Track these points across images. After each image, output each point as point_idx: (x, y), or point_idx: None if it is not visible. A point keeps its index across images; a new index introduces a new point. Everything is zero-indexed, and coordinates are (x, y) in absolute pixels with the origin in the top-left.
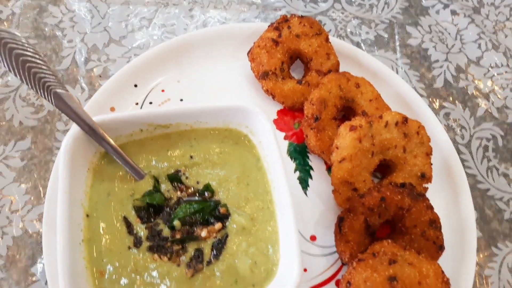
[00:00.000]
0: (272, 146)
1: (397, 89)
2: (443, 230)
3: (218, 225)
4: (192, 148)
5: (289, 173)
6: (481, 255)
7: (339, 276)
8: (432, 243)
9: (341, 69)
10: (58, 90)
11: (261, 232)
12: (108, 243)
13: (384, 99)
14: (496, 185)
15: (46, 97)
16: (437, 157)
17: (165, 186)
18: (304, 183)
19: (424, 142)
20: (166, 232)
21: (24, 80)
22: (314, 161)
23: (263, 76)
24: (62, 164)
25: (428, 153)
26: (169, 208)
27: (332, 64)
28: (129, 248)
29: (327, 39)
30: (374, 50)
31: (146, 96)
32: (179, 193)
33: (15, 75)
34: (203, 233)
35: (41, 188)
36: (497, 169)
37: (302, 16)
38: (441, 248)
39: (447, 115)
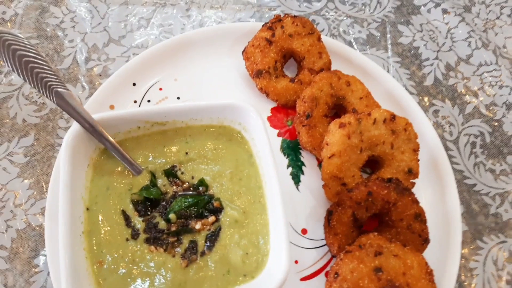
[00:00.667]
0: (263, 142)
1: (387, 87)
2: (429, 224)
3: (211, 218)
4: (187, 145)
5: (282, 168)
6: (466, 249)
7: (328, 268)
8: (417, 236)
9: (333, 68)
10: (59, 89)
11: (253, 224)
12: (107, 235)
13: (375, 96)
14: (482, 180)
15: (48, 96)
16: (424, 153)
17: (161, 181)
18: (296, 178)
19: (411, 138)
20: (162, 224)
21: (26, 79)
22: (306, 157)
23: (257, 74)
24: (64, 160)
25: (415, 149)
26: (165, 202)
27: (324, 62)
28: (127, 239)
29: (319, 39)
30: (366, 48)
31: (144, 94)
32: (174, 187)
33: (18, 75)
34: (198, 226)
35: (43, 183)
36: (484, 165)
37: (295, 16)
38: (426, 241)
39: (436, 112)
